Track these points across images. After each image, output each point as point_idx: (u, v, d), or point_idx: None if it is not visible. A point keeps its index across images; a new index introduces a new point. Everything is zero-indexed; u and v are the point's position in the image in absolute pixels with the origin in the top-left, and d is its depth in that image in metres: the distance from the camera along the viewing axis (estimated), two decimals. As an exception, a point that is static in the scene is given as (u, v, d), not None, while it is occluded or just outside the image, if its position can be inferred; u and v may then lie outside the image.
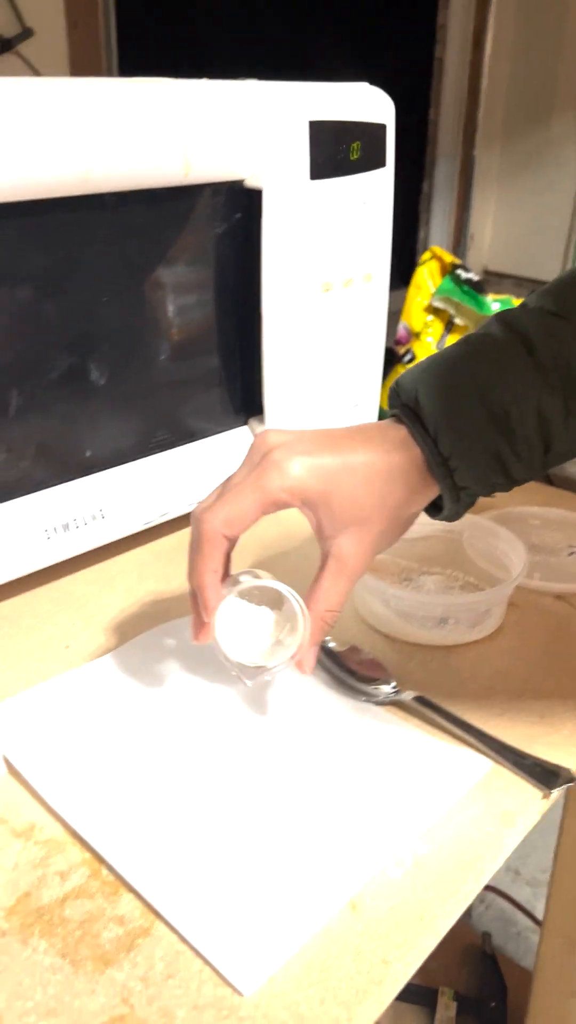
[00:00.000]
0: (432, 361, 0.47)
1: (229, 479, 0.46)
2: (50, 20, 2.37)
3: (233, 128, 0.61)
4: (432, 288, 2.12)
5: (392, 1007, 1.10)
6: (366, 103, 0.69)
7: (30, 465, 0.60)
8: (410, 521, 0.47)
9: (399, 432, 0.46)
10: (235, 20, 2.26)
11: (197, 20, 2.24)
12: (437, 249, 2.07)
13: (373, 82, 0.72)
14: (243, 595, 0.47)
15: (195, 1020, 0.36)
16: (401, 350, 2.26)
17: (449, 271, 2.05)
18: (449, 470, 0.45)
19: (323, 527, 0.45)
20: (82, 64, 2.40)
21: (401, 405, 0.46)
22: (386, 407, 0.49)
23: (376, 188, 0.72)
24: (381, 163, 0.72)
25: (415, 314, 2.13)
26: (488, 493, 0.46)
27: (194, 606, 0.47)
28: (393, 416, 0.47)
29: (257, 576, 0.48)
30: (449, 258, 2.07)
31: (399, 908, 0.40)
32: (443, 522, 0.69)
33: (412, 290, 2.10)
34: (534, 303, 0.47)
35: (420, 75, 2.51)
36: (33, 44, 2.34)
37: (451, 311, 2.12)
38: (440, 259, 2.08)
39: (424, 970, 1.09)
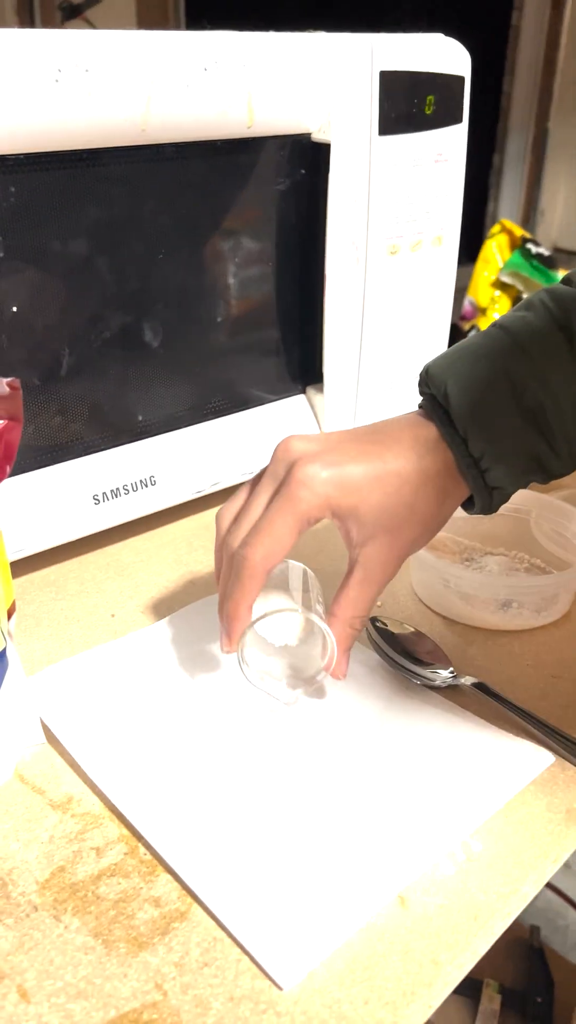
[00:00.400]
0: (463, 349, 0.44)
1: (256, 490, 0.44)
2: (119, -16, 2.34)
3: (300, 78, 0.58)
4: (500, 262, 2.05)
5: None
6: (442, 54, 0.65)
7: (81, 428, 0.58)
8: (443, 522, 0.45)
9: (429, 432, 0.43)
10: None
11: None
12: (507, 222, 2.00)
13: None
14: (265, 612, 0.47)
15: (230, 1012, 0.34)
16: (466, 326, 2.20)
17: (519, 245, 1.99)
18: (480, 471, 0.43)
19: (352, 536, 0.44)
20: (150, 28, 2.36)
21: (429, 397, 0.44)
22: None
23: (450, 145, 0.68)
24: (457, 119, 0.68)
25: (482, 289, 2.07)
26: (524, 487, 0.45)
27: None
28: (421, 406, 0.45)
29: (273, 603, 0.46)
30: (519, 231, 2.00)
31: (451, 906, 0.38)
32: (511, 500, 0.66)
33: (480, 264, 2.04)
34: None
35: (495, 43, 2.42)
36: (101, 9, 2.32)
37: (519, 286, 2.06)
38: (510, 232, 2.01)
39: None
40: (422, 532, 0.44)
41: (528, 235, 2.04)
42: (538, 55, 2.48)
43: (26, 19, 2.23)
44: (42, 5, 2.23)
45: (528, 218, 2.87)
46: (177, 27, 2.41)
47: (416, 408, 0.46)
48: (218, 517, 0.46)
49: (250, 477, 0.47)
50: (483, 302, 2.22)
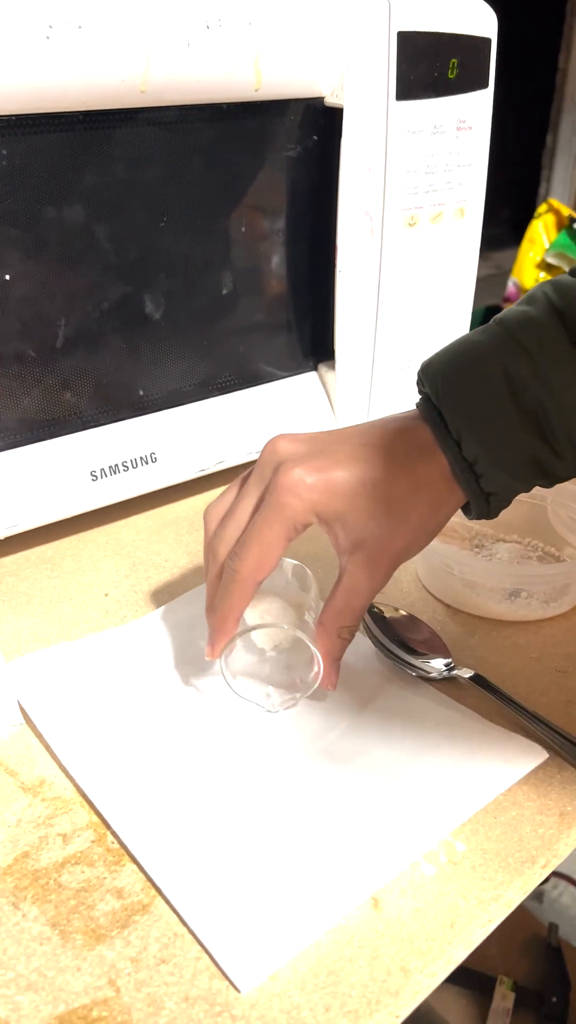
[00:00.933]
0: (461, 346, 0.42)
1: (243, 492, 0.43)
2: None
3: (311, 38, 0.56)
4: (547, 243, 1.99)
5: (444, 990, 1.06)
6: (466, 15, 0.62)
7: (78, 401, 0.56)
8: (437, 530, 0.43)
9: (423, 435, 0.41)
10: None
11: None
12: (554, 201, 1.94)
13: (498, 25, 0.65)
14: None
15: (184, 1013, 0.32)
16: (508, 308, 2.12)
17: (567, 225, 1.93)
18: (475, 475, 0.40)
19: (339, 542, 0.42)
20: None
21: (424, 396, 0.42)
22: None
23: (475, 111, 0.65)
24: (483, 84, 0.65)
25: (527, 270, 2.02)
26: (526, 491, 0.42)
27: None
28: (418, 406, 0.43)
29: (264, 609, 0.45)
30: (567, 211, 1.94)
31: (427, 910, 0.36)
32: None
33: (525, 244, 1.98)
34: None
35: (551, 19, 2.34)
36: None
37: (565, 267, 1.99)
38: (557, 212, 1.95)
39: (483, 955, 1.03)
40: (413, 540, 0.41)
41: (576, 215, 1.98)
42: (595, 30, 2.40)
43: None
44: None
45: (581, 199, 2.79)
46: None
47: (414, 406, 0.43)
48: (206, 515, 0.45)
49: (247, 465, 0.45)
50: (527, 284, 2.16)
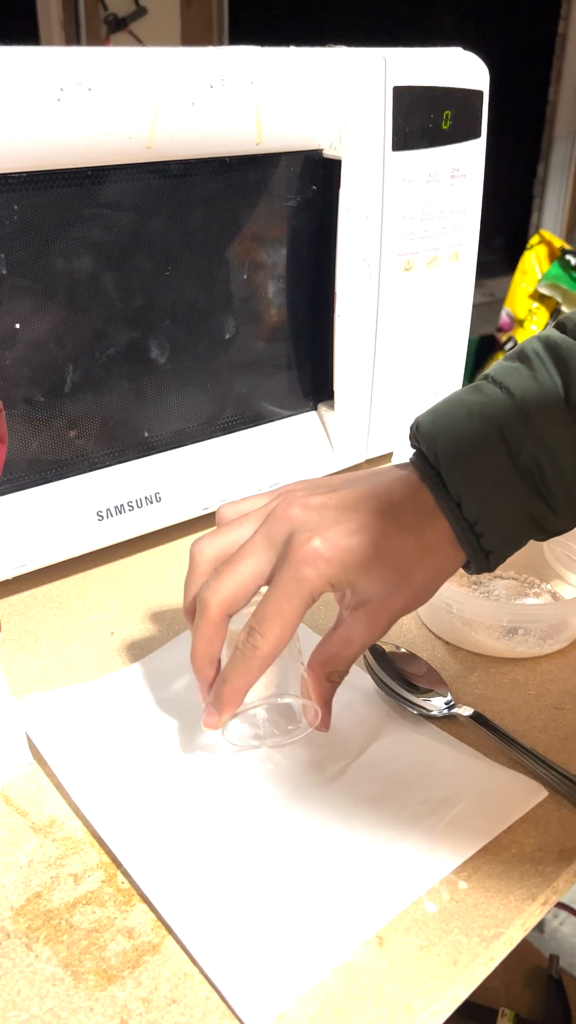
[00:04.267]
0: (454, 404, 0.43)
1: (248, 548, 0.42)
2: (164, -2, 2.37)
3: (310, 94, 0.58)
4: (539, 274, 2.03)
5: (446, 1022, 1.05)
6: (459, 69, 0.64)
7: (85, 443, 0.58)
8: (435, 590, 0.43)
9: (427, 499, 0.42)
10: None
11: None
12: (546, 233, 1.98)
13: (491, 58, 0.67)
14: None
15: (195, 1053, 0.33)
16: (503, 338, 2.17)
17: (558, 256, 1.96)
18: (475, 535, 0.41)
19: (345, 599, 0.43)
20: (193, 42, 2.39)
21: (419, 453, 0.43)
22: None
23: (468, 160, 0.67)
24: (476, 133, 0.67)
25: (519, 300, 2.05)
26: (522, 547, 0.43)
27: (205, 692, 0.45)
28: (413, 462, 0.43)
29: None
30: (559, 242, 1.97)
31: (431, 948, 0.37)
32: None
33: (518, 275, 2.01)
34: (573, 326, 0.42)
35: (540, 52, 2.39)
36: (146, 22, 2.35)
37: (558, 298, 2.02)
38: (549, 243, 1.98)
39: (484, 987, 1.03)
40: (414, 600, 0.42)
41: (568, 246, 2.02)
42: (584, 64, 2.45)
43: (72, 32, 2.27)
44: (88, 18, 2.27)
45: (573, 228, 2.84)
46: (220, 38, 2.43)
47: (409, 461, 0.44)
48: (195, 551, 0.45)
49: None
50: (520, 314, 2.20)
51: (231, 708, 0.42)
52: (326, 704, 0.44)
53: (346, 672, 0.44)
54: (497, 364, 0.44)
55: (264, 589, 0.42)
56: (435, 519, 0.41)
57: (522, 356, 0.43)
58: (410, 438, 0.44)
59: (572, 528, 0.43)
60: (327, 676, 0.43)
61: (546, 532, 0.42)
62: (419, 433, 0.43)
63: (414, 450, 0.44)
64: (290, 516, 0.41)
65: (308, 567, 0.40)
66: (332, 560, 0.40)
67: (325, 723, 0.44)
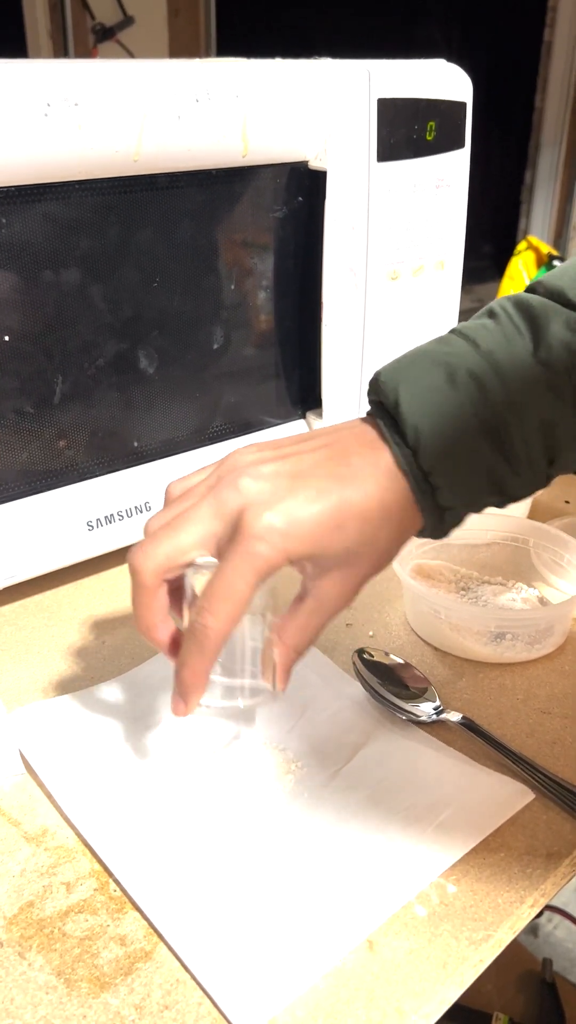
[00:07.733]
0: (417, 354, 0.41)
1: (192, 512, 0.39)
2: (152, 8, 2.38)
3: (295, 106, 0.58)
4: (527, 279, 2.04)
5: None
6: (442, 80, 0.65)
7: (74, 454, 0.58)
8: (395, 555, 0.42)
9: (388, 458, 0.39)
10: (338, 4, 2.22)
11: (299, 5, 2.21)
12: (533, 239, 1.99)
13: (479, 66, 0.68)
14: None
15: (187, 1059, 0.33)
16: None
17: (546, 262, 1.97)
18: (431, 487, 0.39)
19: (306, 571, 0.40)
20: (181, 52, 2.40)
21: (377, 404, 0.41)
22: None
23: (452, 170, 0.67)
24: (459, 144, 0.68)
25: (506, 307, 2.04)
26: (478, 511, 0.41)
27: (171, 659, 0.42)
28: (371, 415, 0.41)
29: None
30: (546, 248, 1.98)
31: (421, 951, 0.37)
32: (509, 529, 0.64)
33: (505, 281, 2.02)
34: (550, 284, 0.41)
35: (527, 59, 2.41)
36: (134, 32, 2.36)
37: (545, 304, 2.02)
38: (536, 249, 1.99)
39: (478, 992, 1.03)
40: (379, 564, 0.41)
41: (555, 252, 2.03)
42: (570, 71, 2.46)
43: (59, 41, 2.28)
44: (75, 27, 2.27)
45: (560, 234, 2.85)
46: (207, 46, 2.44)
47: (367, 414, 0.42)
48: (145, 527, 0.42)
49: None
50: (509, 319, 2.20)
51: (195, 692, 0.41)
52: (287, 671, 0.42)
53: (313, 643, 0.42)
54: (466, 323, 0.42)
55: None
56: (395, 480, 0.39)
57: (491, 313, 0.41)
58: (369, 392, 0.41)
59: (528, 495, 0.41)
60: (294, 648, 0.41)
61: (503, 494, 0.40)
62: (379, 383, 0.40)
63: (372, 403, 0.41)
64: (241, 487, 0.38)
65: (262, 543, 0.37)
66: (289, 534, 0.38)
67: (283, 686, 0.42)
